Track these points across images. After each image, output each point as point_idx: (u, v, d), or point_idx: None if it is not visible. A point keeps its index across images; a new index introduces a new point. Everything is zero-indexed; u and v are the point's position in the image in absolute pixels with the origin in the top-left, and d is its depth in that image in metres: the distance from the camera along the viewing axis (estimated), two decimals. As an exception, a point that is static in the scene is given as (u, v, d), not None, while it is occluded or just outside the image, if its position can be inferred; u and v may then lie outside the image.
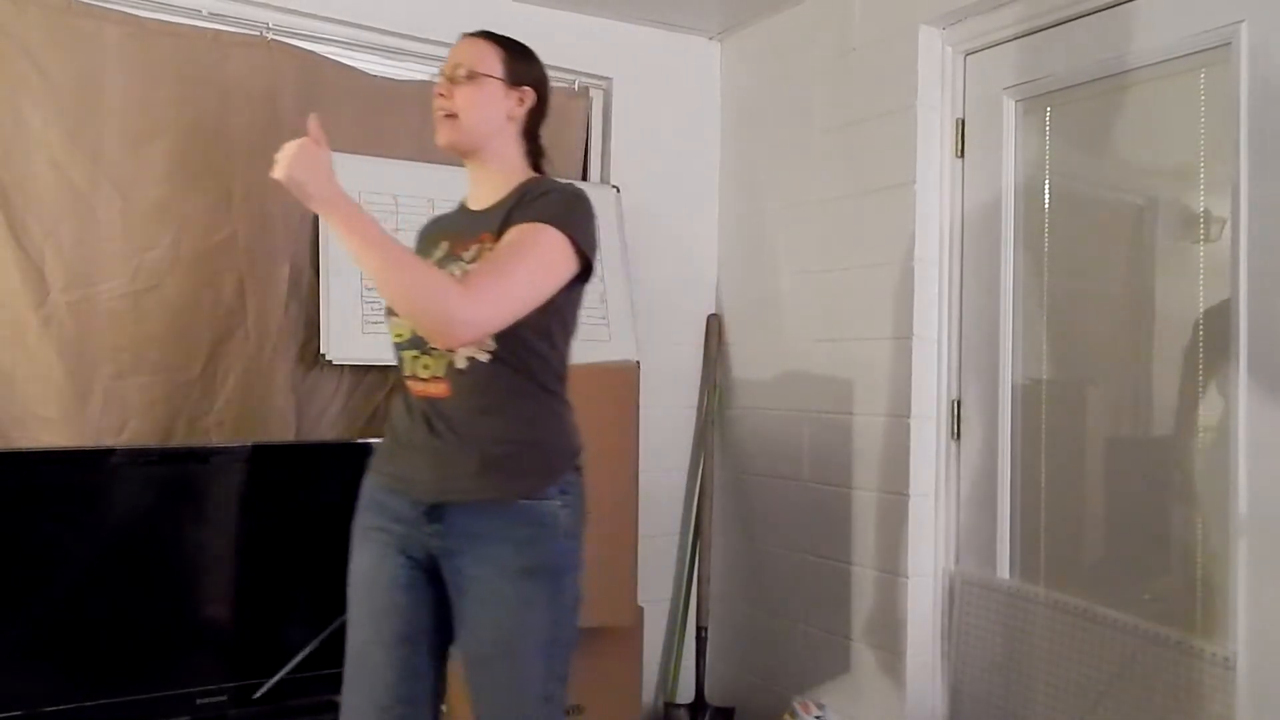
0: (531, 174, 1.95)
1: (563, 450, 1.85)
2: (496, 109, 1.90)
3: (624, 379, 2.85)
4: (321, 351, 2.81)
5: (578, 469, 1.86)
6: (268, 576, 2.63)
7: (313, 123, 1.82)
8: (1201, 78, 2.23)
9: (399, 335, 1.86)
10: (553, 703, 1.83)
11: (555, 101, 3.23)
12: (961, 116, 2.76)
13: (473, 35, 1.99)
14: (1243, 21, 2.11)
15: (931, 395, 2.76)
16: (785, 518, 3.16)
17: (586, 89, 3.36)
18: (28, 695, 2.32)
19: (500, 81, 1.91)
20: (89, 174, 2.61)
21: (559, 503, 1.80)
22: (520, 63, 1.97)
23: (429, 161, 3.06)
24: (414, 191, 3.01)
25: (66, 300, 2.58)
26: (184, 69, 2.72)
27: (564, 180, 1.90)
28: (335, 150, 2.89)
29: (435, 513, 1.79)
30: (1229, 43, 2.14)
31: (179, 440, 2.70)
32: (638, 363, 3.03)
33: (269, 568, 2.62)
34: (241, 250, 2.78)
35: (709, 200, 3.55)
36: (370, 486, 1.92)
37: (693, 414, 3.49)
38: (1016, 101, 2.63)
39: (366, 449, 2.81)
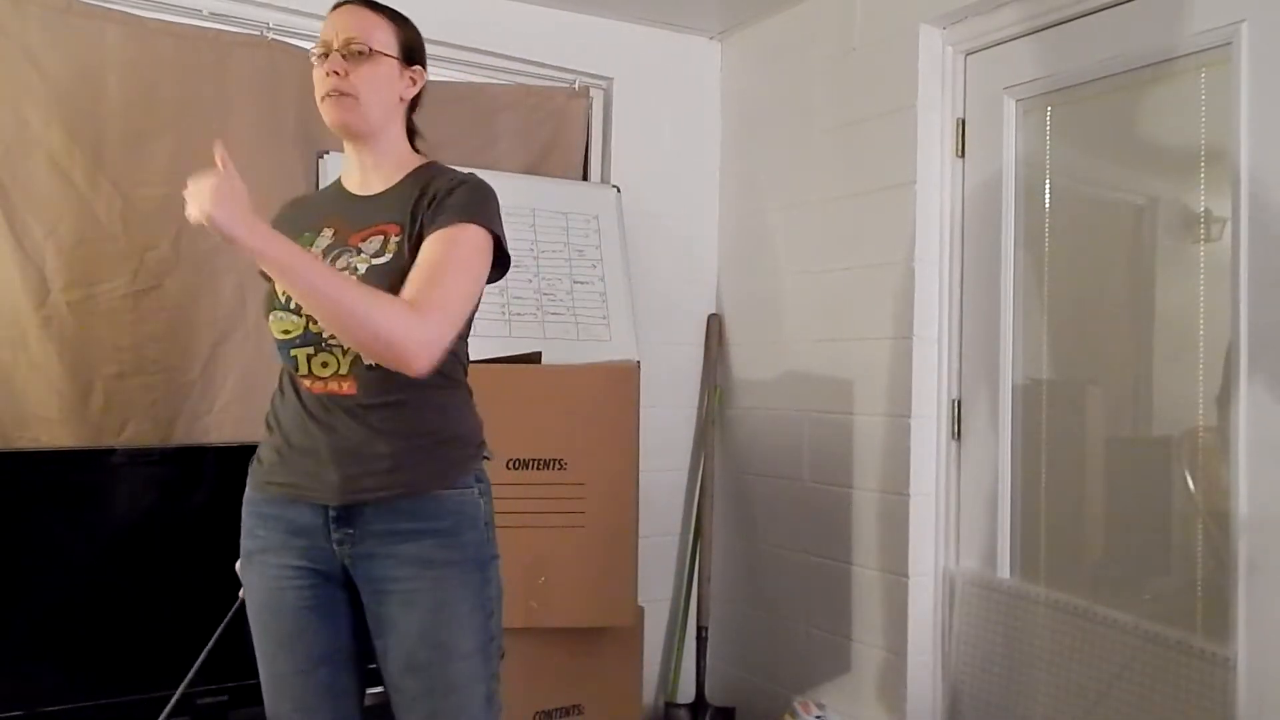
0: (417, 157, 1.84)
1: (473, 439, 1.78)
2: (393, 90, 1.76)
3: (624, 379, 2.85)
4: (322, 351, 2.81)
5: (486, 458, 1.79)
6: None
7: (219, 151, 1.64)
8: (1201, 78, 2.23)
9: (286, 332, 1.71)
10: (493, 703, 1.72)
11: (556, 102, 3.29)
12: (962, 116, 2.76)
13: (358, 5, 1.77)
14: (1243, 21, 2.11)
15: (932, 395, 2.76)
16: (786, 517, 3.16)
17: (587, 89, 3.37)
18: (28, 695, 2.32)
19: (396, 60, 1.75)
20: (89, 174, 2.61)
21: (475, 491, 1.73)
22: (414, 39, 1.81)
23: (429, 161, 3.07)
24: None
25: (67, 300, 2.58)
26: (184, 69, 2.72)
27: (451, 166, 1.81)
28: (335, 150, 2.91)
29: (345, 516, 1.68)
30: (1229, 43, 2.14)
31: (179, 440, 2.70)
32: (638, 363, 3.02)
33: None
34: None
35: (709, 200, 3.55)
36: (255, 502, 1.77)
37: (693, 414, 3.49)
38: (1017, 101, 2.63)
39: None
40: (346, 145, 1.81)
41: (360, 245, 1.72)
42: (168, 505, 2.53)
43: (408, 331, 1.54)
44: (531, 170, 3.22)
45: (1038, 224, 2.59)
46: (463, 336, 1.77)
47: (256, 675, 2.53)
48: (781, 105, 3.27)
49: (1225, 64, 2.15)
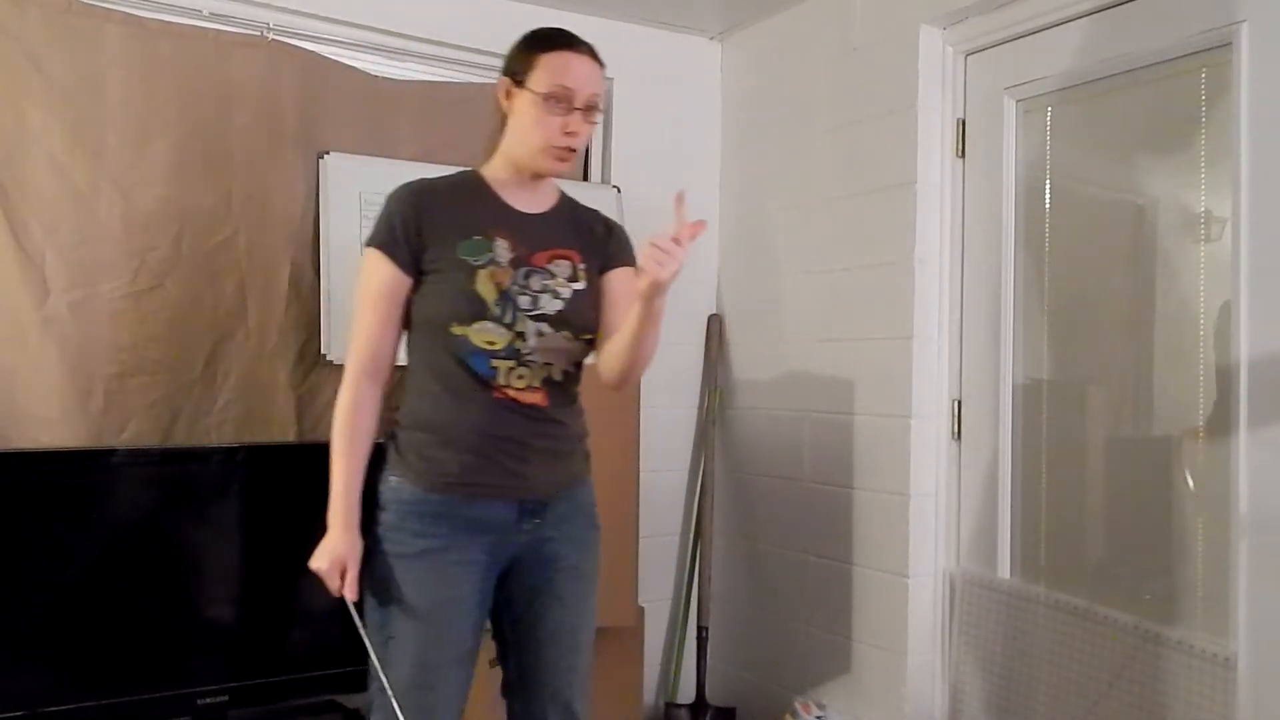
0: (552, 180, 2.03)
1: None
2: None
3: None
4: (322, 351, 2.82)
5: None
6: (268, 576, 2.63)
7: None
8: (1202, 78, 2.23)
9: (490, 343, 1.83)
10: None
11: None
12: (962, 116, 2.76)
13: (591, 57, 1.93)
14: (1243, 21, 2.11)
15: (932, 395, 2.76)
16: (786, 518, 3.16)
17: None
18: (28, 695, 2.32)
19: None
20: (90, 174, 2.61)
21: (592, 481, 2.04)
22: None
23: (430, 161, 3.07)
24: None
25: (67, 300, 2.58)
26: (185, 69, 2.72)
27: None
28: (335, 150, 2.92)
29: (538, 509, 1.90)
30: (1229, 43, 2.14)
31: (180, 440, 2.70)
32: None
33: (270, 568, 2.62)
34: (242, 250, 2.79)
35: (710, 200, 3.55)
36: (428, 503, 1.85)
37: (693, 414, 3.49)
38: (1017, 101, 2.63)
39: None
40: (519, 169, 1.93)
41: (549, 268, 1.90)
42: (168, 506, 2.53)
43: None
44: (532, 170, 3.21)
45: (1038, 224, 2.59)
46: None
47: (256, 676, 2.56)
48: (782, 105, 3.27)
49: (1225, 64, 2.15)
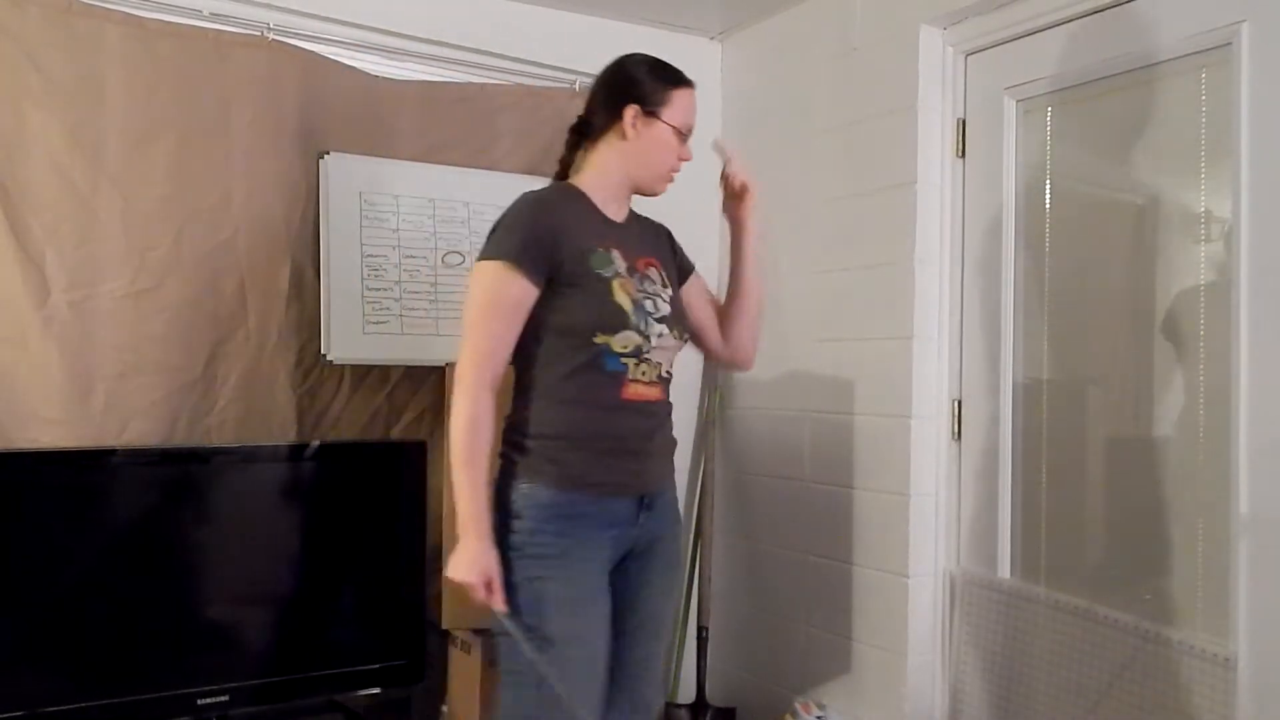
0: None
1: None
2: None
3: None
4: (322, 351, 2.82)
5: None
6: (269, 576, 2.63)
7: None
8: (1202, 78, 2.23)
9: (625, 348, 1.95)
10: None
11: (556, 102, 3.28)
12: (962, 116, 2.76)
13: (694, 89, 2.16)
14: (1243, 21, 2.11)
15: (932, 395, 2.76)
16: (786, 518, 3.16)
17: (588, 89, 3.36)
18: (28, 695, 2.32)
19: None
20: (90, 174, 2.61)
21: None
22: None
23: (430, 162, 3.07)
24: (415, 192, 3.02)
25: (68, 300, 2.58)
26: (185, 69, 2.72)
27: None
28: (336, 150, 2.93)
29: (650, 501, 2.01)
30: (1229, 43, 2.14)
31: (180, 440, 2.70)
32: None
33: (270, 568, 2.63)
34: (243, 250, 2.79)
35: (710, 200, 3.53)
36: (569, 504, 1.92)
37: (694, 414, 3.49)
38: (1017, 101, 2.63)
39: (367, 449, 2.84)
40: (621, 187, 2.10)
41: (648, 274, 2.05)
42: (168, 506, 2.53)
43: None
44: (532, 170, 3.21)
45: (1038, 224, 2.59)
46: None
47: (257, 676, 2.56)
48: (782, 105, 3.27)
49: (1225, 64, 2.15)
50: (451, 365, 2.68)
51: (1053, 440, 2.55)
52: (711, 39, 3.54)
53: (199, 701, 2.48)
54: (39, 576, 2.36)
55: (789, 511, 3.15)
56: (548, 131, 3.27)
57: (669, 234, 2.24)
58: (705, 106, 3.52)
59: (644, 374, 1.98)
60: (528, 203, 1.98)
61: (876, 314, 2.85)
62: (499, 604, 1.86)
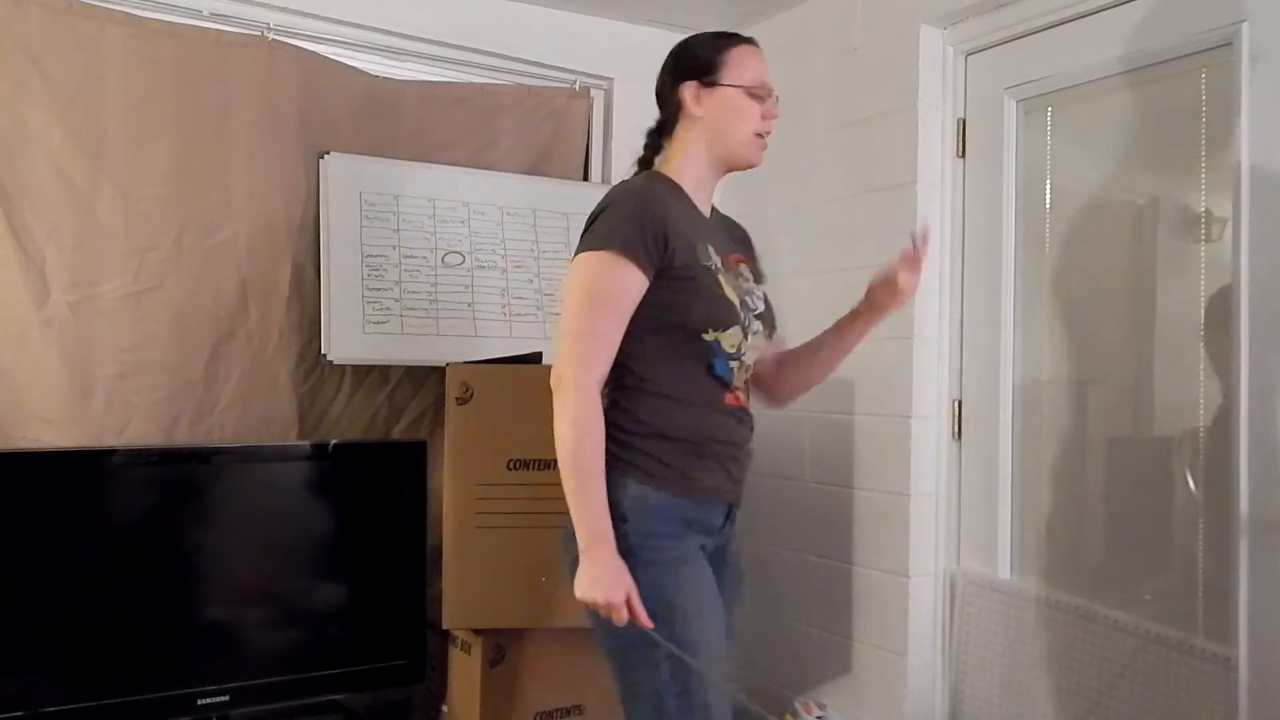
0: None
1: None
2: None
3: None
4: (323, 351, 2.82)
5: None
6: (269, 577, 2.63)
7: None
8: (1202, 78, 2.23)
9: (734, 346, 1.87)
10: None
11: (556, 102, 3.29)
12: (963, 116, 2.75)
13: (758, 47, 2.00)
14: (1243, 21, 2.11)
15: (933, 395, 2.76)
16: (786, 518, 3.16)
17: (587, 89, 3.36)
18: (28, 695, 2.32)
19: None
20: (90, 174, 2.61)
21: None
22: None
23: (430, 162, 3.07)
24: (415, 192, 3.02)
25: (68, 300, 2.58)
26: (185, 69, 2.73)
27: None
28: (336, 150, 2.93)
29: (733, 510, 1.95)
30: (1229, 43, 2.14)
31: (180, 440, 2.70)
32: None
33: (270, 568, 2.63)
34: (243, 250, 2.79)
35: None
36: (679, 507, 1.84)
37: (694, 414, 3.49)
38: (1018, 101, 2.63)
39: (368, 449, 2.84)
40: (709, 171, 1.99)
41: (739, 269, 1.97)
42: (169, 506, 2.53)
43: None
44: (532, 170, 3.22)
45: (1038, 224, 2.59)
46: None
47: (257, 676, 2.56)
48: (782, 105, 3.25)
49: (1225, 64, 2.15)
50: (452, 365, 2.69)
51: (1053, 440, 2.55)
52: (712, 39, 3.53)
53: (199, 701, 2.48)
54: (39, 576, 2.36)
55: (789, 511, 3.15)
56: (548, 131, 3.28)
57: (747, 234, 2.12)
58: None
59: (739, 379, 1.92)
60: (632, 190, 1.86)
61: (877, 314, 2.85)
62: (643, 620, 1.71)
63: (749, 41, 1.98)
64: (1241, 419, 2.09)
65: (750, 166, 1.97)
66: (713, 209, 2.03)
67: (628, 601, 1.71)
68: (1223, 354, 2.15)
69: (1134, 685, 2.26)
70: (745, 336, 1.89)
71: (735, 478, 1.94)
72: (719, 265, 1.88)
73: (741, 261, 1.99)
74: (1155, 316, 2.36)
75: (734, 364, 1.89)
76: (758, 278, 2.03)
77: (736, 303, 1.87)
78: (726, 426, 1.90)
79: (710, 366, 1.86)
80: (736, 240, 2.06)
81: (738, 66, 1.93)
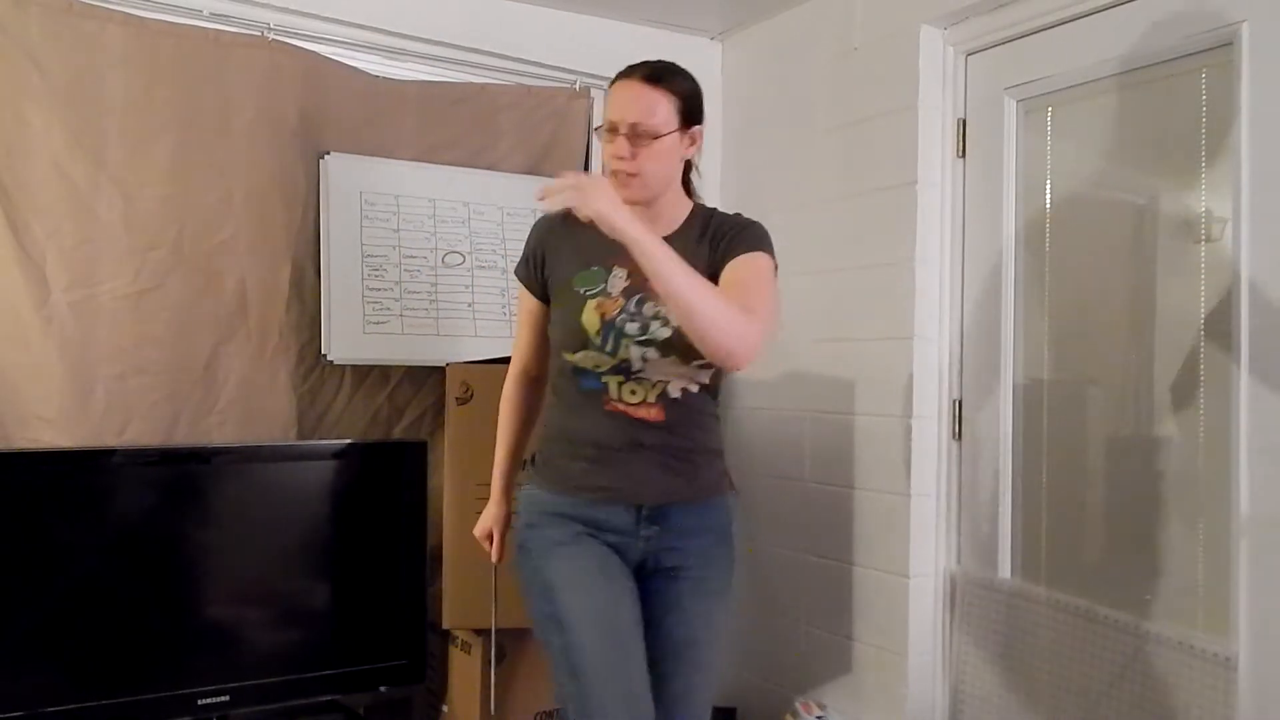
0: (689, 201, 2.04)
1: (723, 454, 2.09)
2: (675, 159, 1.95)
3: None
4: (323, 351, 2.82)
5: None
6: (269, 577, 2.63)
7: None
8: (1202, 78, 2.23)
9: (597, 365, 1.92)
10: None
11: (557, 102, 3.29)
12: (963, 116, 2.75)
13: (640, 82, 1.90)
14: (1243, 21, 2.11)
15: (933, 395, 2.76)
16: (786, 518, 3.16)
17: (588, 89, 3.36)
18: (28, 695, 2.32)
19: (677, 132, 1.92)
20: (90, 174, 2.61)
21: (731, 500, 2.07)
22: (690, 100, 1.95)
23: (430, 162, 3.07)
24: (415, 192, 3.02)
25: (68, 300, 2.58)
26: (185, 69, 2.73)
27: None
28: (336, 150, 2.93)
29: (656, 515, 1.94)
30: (1229, 43, 2.14)
31: (180, 440, 2.70)
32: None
33: (270, 568, 2.63)
34: (243, 250, 2.79)
35: (710, 200, 3.51)
36: (560, 504, 1.96)
37: (694, 414, 3.49)
38: (1018, 101, 2.63)
39: (368, 449, 2.84)
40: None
41: (643, 295, 1.91)
42: (168, 506, 2.53)
43: (742, 330, 1.74)
44: (532, 170, 3.22)
45: (1038, 224, 2.59)
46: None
47: (257, 676, 2.56)
48: (782, 105, 3.27)
49: (1225, 64, 2.15)
50: (452, 365, 2.70)
51: (1053, 440, 2.55)
52: (711, 39, 3.54)
53: (199, 701, 2.48)
54: (39, 576, 2.36)
55: (789, 511, 3.15)
56: (548, 131, 3.28)
57: (730, 234, 1.96)
58: (705, 106, 3.54)
59: (633, 393, 1.92)
60: (534, 225, 2.09)
61: (876, 314, 2.85)
62: (493, 557, 2.17)
63: (624, 75, 1.94)
64: (1241, 419, 2.09)
65: (635, 203, 1.88)
66: (692, 221, 1.99)
67: (489, 539, 2.16)
68: (1223, 354, 2.15)
69: (1134, 685, 2.26)
70: (622, 360, 1.89)
71: (639, 479, 1.94)
72: (613, 290, 1.91)
73: None
74: (1155, 316, 2.36)
75: (608, 379, 1.93)
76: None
77: (595, 328, 1.90)
78: (609, 430, 1.93)
79: (580, 380, 1.96)
80: (688, 259, 1.86)
81: (609, 104, 1.94)
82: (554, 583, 1.91)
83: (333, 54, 2.97)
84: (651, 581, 1.97)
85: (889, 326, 2.82)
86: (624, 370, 1.91)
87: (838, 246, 3.00)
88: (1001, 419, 2.63)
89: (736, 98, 3.49)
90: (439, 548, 2.76)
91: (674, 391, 1.94)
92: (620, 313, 1.90)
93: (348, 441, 2.85)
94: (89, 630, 2.40)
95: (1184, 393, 2.28)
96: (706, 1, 3.25)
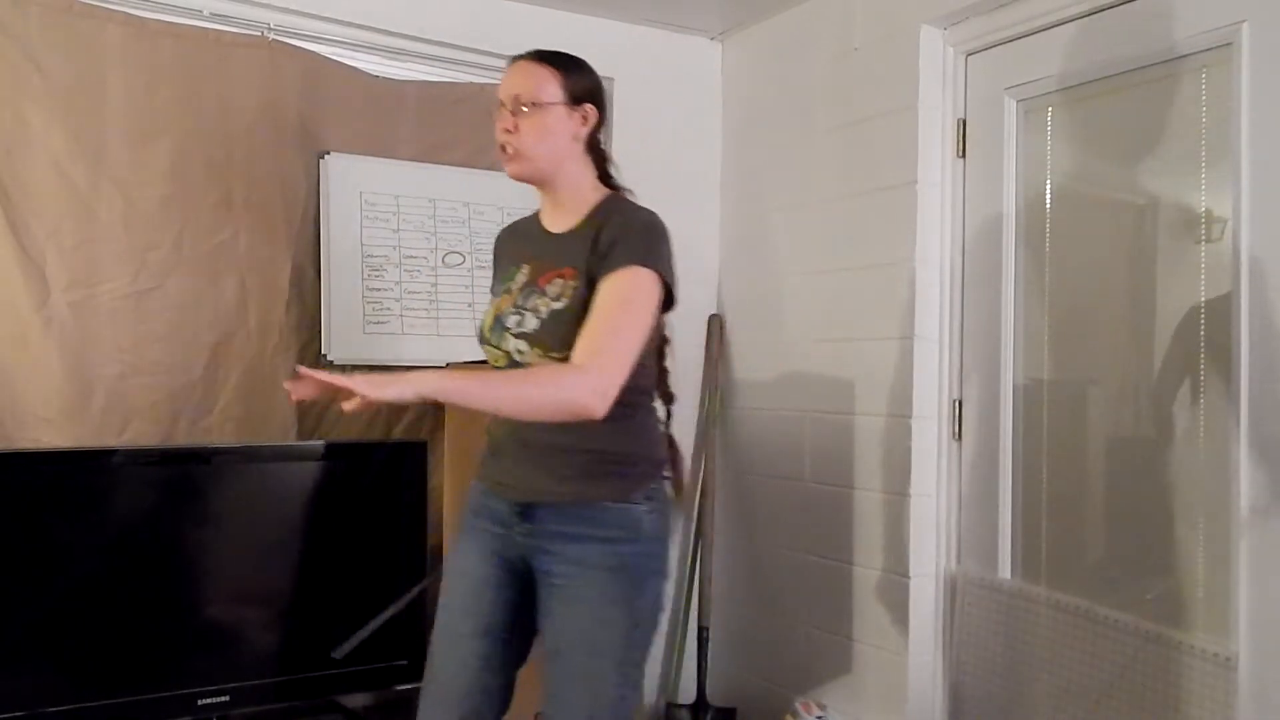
0: (602, 189, 2.00)
1: (644, 459, 1.95)
2: (562, 135, 1.93)
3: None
4: (323, 352, 2.82)
5: (665, 476, 1.99)
6: (268, 577, 2.63)
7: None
8: (1202, 78, 2.23)
9: (497, 361, 1.96)
10: (625, 703, 1.90)
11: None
12: (963, 117, 2.75)
13: (526, 59, 1.95)
14: (1243, 21, 2.11)
15: (933, 395, 2.76)
16: (787, 518, 3.16)
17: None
18: (28, 695, 2.32)
19: (562, 105, 1.92)
20: (90, 174, 2.61)
21: (644, 508, 1.90)
22: (577, 79, 1.96)
23: (430, 162, 3.08)
24: (415, 192, 3.02)
25: (68, 300, 2.58)
26: (185, 69, 2.73)
27: (633, 201, 1.98)
28: (337, 150, 2.93)
29: (527, 513, 1.92)
30: (1229, 43, 2.14)
31: (180, 441, 2.70)
32: (639, 363, 3.02)
33: (270, 568, 2.63)
34: (243, 250, 2.79)
35: (710, 201, 3.55)
36: (476, 489, 2.04)
37: (694, 414, 3.49)
38: (1018, 101, 2.63)
39: (368, 449, 2.84)
40: (538, 190, 2.01)
41: (545, 288, 1.90)
42: (168, 506, 2.54)
43: (577, 393, 1.73)
44: (532, 170, 3.21)
45: (1038, 224, 2.59)
46: (645, 365, 1.92)
47: (257, 676, 2.56)
48: (782, 105, 3.27)
49: (1225, 64, 2.15)
50: (452, 365, 2.70)
51: (1053, 440, 2.55)
52: (711, 39, 3.54)
53: (199, 702, 2.49)
54: (39, 576, 2.36)
55: (789, 511, 3.15)
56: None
57: (616, 238, 1.85)
58: (705, 106, 3.56)
59: None
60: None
61: (876, 314, 2.85)
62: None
63: (519, 56, 1.97)
64: (1241, 419, 2.09)
65: (517, 180, 1.95)
66: (593, 216, 1.93)
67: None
68: (1223, 354, 2.15)
69: (1134, 685, 2.26)
70: (507, 354, 1.92)
71: (515, 473, 1.94)
72: (515, 286, 1.96)
73: (559, 277, 1.88)
74: (1155, 316, 2.36)
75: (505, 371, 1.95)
76: (575, 291, 1.85)
77: (489, 325, 1.96)
78: (502, 422, 1.97)
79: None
80: (573, 254, 1.89)
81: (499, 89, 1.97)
82: (448, 563, 2.05)
83: (333, 54, 2.97)
84: (533, 585, 1.93)
85: (889, 326, 2.82)
86: (515, 365, 1.92)
87: (838, 246, 3.00)
88: (1001, 419, 2.63)
89: (736, 98, 3.49)
90: (439, 548, 2.76)
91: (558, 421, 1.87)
92: (511, 307, 1.94)
93: (348, 441, 2.85)
94: (89, 630, 2.40)
95: (1184, 393, 2.28)
96: (706, 1, 3.25)
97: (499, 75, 3.24)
